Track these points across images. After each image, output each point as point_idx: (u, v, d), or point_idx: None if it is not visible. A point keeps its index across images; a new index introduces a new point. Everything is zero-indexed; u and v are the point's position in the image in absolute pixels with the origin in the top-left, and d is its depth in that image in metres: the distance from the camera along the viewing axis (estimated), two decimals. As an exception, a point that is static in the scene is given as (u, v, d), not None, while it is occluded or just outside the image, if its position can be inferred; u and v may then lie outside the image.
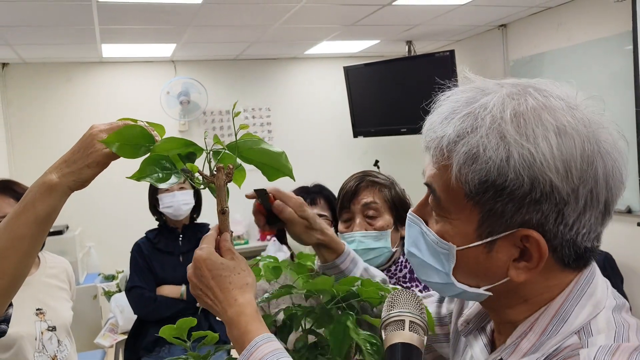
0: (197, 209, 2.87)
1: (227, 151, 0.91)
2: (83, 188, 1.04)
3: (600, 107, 0.70)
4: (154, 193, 2.79)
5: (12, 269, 1.02)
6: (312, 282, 1.03)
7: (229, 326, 0.86)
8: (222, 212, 0.92)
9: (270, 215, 1.06)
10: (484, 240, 0.69)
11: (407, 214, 0.81)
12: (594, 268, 0.73)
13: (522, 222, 0.67)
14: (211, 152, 0.93)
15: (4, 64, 4.70)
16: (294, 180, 1.01)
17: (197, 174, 0.93)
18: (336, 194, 1.80)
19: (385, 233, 1.61)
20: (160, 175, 0.91)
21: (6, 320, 1.13)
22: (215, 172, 0.91)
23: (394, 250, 1.65)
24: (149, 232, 2.87)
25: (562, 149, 0.64)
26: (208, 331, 1.08)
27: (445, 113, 0.71)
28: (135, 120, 1.00)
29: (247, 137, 0.93)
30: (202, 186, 0.92)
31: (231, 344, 0.90)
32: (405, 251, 0.81)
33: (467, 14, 4.12)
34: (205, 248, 0.90)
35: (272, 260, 1.11)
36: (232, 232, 0.93)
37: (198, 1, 3.25)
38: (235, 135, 0.90)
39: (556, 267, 0.70)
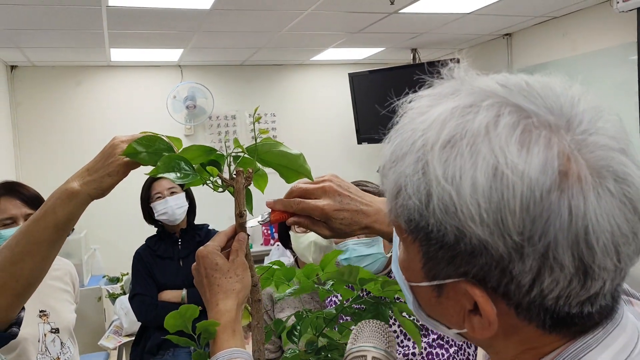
0: (192, 211, 2.88)
1: (246, 155, 0.93)
2: (103, 196, 1.07)
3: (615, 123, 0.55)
4: (146, 202, 2.79)
5: (28, 273, 1.04)
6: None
7: None
8: (240, 216, 0.93)
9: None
10: (431, 283, 0.56)
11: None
12: (597, 340, 0.53)
13: (460, 273, 0.52)
14: (231, 156, 0.94)
15: (12, 67, 4.73)
16: (313, 181, 1.03)
17: (216, 177, 0.94)
18: None
19: (377, 239, 1.59)
20: (179, 174, 0.92)
21: (18, 323, 1.14)
22: (235, 176, 0.92)
23: (388, 255, 1.67)
24: (148, 240, 2.88)
25: (493, 196, 0.47)
26: (211, 320, 1.06)
27: (399, 125, 0.57)
28: (156, 134, 1.02)
29: (265, 140, 0.94)
30: (220, 189, 0.94)
31: None
32: None
33: (472, 23, 4.15)
34: (209, 245, 0.91)
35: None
36: (249, 235, 0.95)
37: (206, 7, 3.28)
38: (255, 140, 0.92)
39: (531, 329, 0.54)
